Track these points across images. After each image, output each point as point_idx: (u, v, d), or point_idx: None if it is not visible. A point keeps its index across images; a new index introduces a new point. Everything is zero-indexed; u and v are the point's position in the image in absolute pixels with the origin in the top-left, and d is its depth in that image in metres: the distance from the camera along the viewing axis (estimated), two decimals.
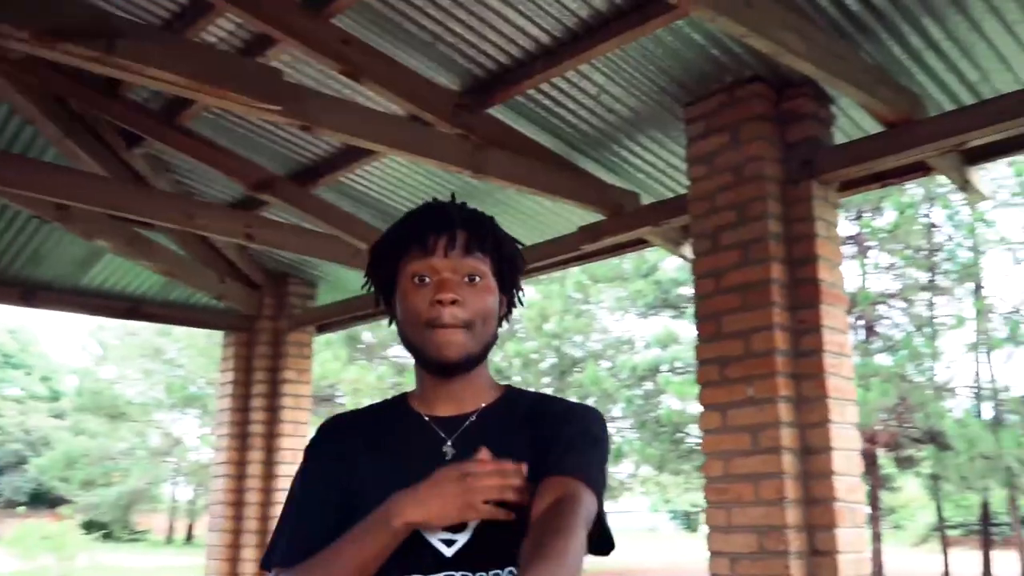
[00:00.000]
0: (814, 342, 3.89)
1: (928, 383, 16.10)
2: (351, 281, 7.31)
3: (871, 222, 17.38)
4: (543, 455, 1.59)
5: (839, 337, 3.96)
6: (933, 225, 17.43)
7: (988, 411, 16.52)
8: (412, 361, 1.79)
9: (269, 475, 7.25)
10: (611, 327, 22.20)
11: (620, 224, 5.03)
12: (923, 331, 17.16)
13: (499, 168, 4.52)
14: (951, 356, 22.66)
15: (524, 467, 1.53)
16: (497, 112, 4.65)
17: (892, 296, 18.04)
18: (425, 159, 4.30)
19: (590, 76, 4.33)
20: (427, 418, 1.71)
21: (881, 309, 18.17)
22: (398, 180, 5.74)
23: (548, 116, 4.69)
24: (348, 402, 20.27)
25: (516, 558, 1.44)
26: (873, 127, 4.22)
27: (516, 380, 21.11)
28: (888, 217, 17.14)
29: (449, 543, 1.60)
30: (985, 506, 20.33)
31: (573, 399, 1.77)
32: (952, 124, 3.76)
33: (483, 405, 1.71)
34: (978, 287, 17.42)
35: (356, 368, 20.57)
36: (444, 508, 1.50)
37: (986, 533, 20.53)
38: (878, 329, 18.06)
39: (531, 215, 5.80)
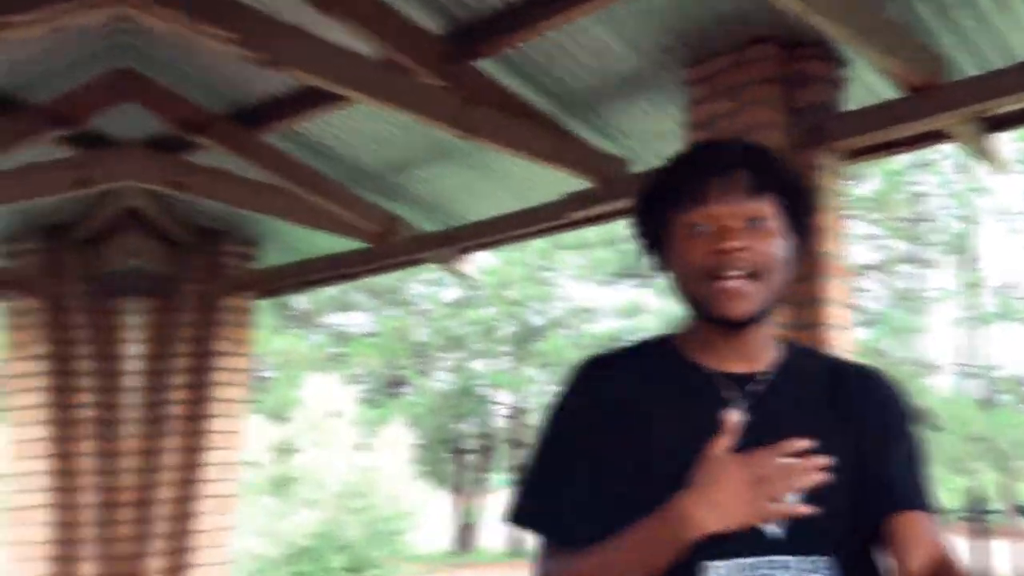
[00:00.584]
0: (815, 315, 3.72)
1: (910, 359, 16.09)
2: (303, 240, 6.49)
3: (853, 189, 17.29)
4: (869, 454, 1.50)
5: (841, 311, 3.80)
6: (921, 194, 17.33)
7: (978, 390, 16.52)
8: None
9: (190, 465, 6.14)
10: (574, 295, 22.02)
11: (610, 192, 4.82)
12: (905, 305, 17.12)
13: (490, 128, 4.24)
14: (937, 331, 22.70)
15: (829, 460, 1.39)
16: (487, 65, 4.36)
17: (873, 268, 17.98)
18: (406, 111, 3.99)
19: (589, 30, 4.06)
20: (714, 374, 1.56)
21: (861, 282, 18.13)
22: (367, 132, 5.22)
23: (539, 73, 4.41)
24: (279, 376, 18.75)
25: (834, 547, 1.43)
26: (887, 93, 4.01)
27: (476, 348, 20.72)
28: (872, 185, 17.01)
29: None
30: (976, 491, 20.41)
31: (868, 365, 1.68)
32: (979, 89, 3.54)
33: (774, 363, 1.58)
34: (970, 259, 17.35)
35: (288, 338, 19.53)
36: (744, 515, 1.37)
37: (977, 520, 20.61)
38: (857, 302, 18.02)
39: (514, 179, 5.54)
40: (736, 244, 1.50)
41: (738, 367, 1.56)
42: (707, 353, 1.57)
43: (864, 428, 1.53)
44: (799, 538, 1.44)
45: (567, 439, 1.56)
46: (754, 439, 1.45)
